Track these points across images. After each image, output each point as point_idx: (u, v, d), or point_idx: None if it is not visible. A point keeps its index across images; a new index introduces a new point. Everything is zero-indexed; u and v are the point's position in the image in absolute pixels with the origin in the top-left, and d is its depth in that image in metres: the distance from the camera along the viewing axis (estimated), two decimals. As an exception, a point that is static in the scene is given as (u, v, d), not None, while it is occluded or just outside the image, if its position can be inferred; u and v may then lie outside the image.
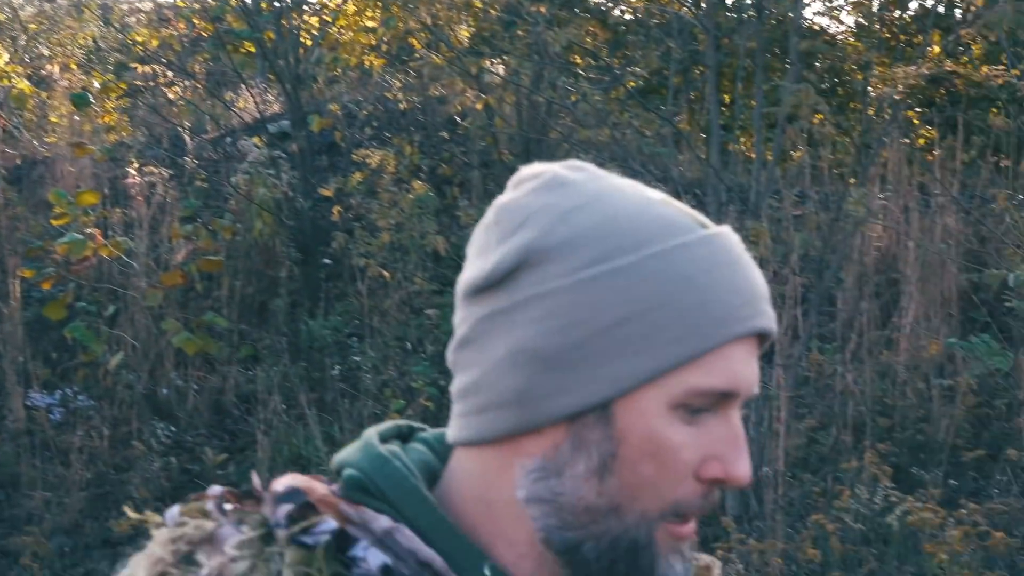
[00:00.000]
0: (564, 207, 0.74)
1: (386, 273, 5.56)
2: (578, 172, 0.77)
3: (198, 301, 5.80)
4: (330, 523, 0.75)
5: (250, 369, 5.45)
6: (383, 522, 0.75)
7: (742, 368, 0.74)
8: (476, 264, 0.76)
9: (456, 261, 5.09)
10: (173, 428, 5.16)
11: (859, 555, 3.80)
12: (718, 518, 3.81)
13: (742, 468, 0.74)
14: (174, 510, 0.79)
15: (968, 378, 4.74)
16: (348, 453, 0.81)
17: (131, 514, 0.86)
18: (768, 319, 0.76)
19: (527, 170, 0.79)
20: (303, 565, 0.74)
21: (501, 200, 0.77)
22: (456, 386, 0.78)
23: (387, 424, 0.84)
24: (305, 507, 0.76)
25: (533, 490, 0.75)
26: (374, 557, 0.74)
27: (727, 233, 0.77)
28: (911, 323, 5.03)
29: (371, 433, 0.82)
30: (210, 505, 0.79)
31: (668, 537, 0.75)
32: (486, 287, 0.74)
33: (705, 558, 0.89)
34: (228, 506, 0.78)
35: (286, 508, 0.76)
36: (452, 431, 0.79)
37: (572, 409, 0.73)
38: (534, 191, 0.76)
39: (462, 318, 0.77)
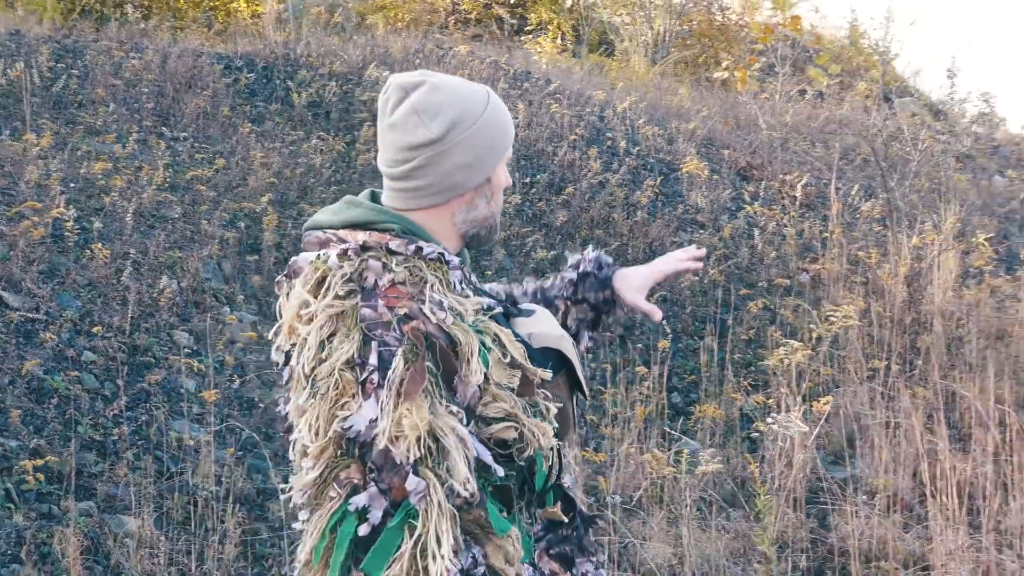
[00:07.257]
0: (448, 100, 1.55)
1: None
2: (431, 76, 1.57)
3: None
4: (433, 247, 1.53)
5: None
6: (433, 247, 1.53)
7: (507, 155, 1.67)
8: (418, 132, 1.54)
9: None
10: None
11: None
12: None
13: (507, 181, 1.68)
14: (332, 260, 1.48)
15: None
16: (368, 216, 1.56)
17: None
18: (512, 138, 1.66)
19: (406, 78, 1.56)
20: (434, 267, 1.51)
21: (414, 97, 1.54)
22: (407, 185, 1.57)
23: (364, 195, 1.63)
24: (417, 246, 1.51)
25: (462, 218, 1.62)
26: (454, 259, 1.55)
27: (492, 92, 1.63)
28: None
29: (373, 203, 1.59)
30: (351, 254, 1.49)
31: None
32: (429, 143, 1.54)
33: None
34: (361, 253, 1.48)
35: (414, 245, 1.52)
36: (410, 203, 1.59)
37: (477, 182, 1.62)
38: (428, 91, 1.55)
39: (404, 158, 1.55)
